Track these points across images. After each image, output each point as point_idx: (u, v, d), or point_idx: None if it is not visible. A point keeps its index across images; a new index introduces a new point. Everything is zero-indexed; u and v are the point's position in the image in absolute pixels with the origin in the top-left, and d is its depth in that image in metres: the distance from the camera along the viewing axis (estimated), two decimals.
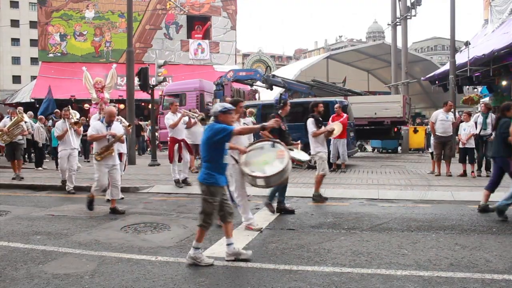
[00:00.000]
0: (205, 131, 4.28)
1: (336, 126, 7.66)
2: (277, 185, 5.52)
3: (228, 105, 4.32)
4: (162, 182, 9.55)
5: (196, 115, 9.70)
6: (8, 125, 10.44)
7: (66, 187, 8.78)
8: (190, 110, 10.21)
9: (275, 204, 6.40)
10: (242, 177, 5.36)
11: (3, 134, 10.41)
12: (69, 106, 9.76)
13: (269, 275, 3.84)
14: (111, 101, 23.62)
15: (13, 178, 10.24)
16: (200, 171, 4.31)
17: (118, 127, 6.97)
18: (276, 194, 6.37)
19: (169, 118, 8.94)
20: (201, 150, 4.41)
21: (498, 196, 7.23)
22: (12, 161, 10.72)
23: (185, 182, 8.94)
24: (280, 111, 6.73)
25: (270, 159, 5.09)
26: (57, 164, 13.00)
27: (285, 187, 6.48)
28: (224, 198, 4.27)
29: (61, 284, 3.70)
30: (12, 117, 10.77)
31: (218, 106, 4.30)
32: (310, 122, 7.03)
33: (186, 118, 9.37)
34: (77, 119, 9.85)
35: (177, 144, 8.89)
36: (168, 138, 9.08)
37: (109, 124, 6.72)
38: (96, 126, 6.74)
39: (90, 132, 6.77)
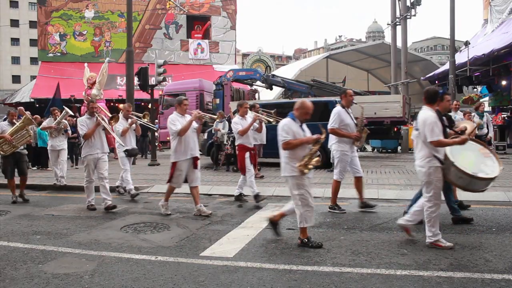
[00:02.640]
0: None
1: (468, 125, 6.33)
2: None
3: None
4: (162, 182, 9.53)
5: (265, 117, 8.18)
6: (11, 130, 7.70)
7: (103, 203, 6.83)
8: (259, 111, 8.66)
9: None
10: (442, 181, 4.53)
11: (3, 143, 7.71)
12: (92, 100, 7.99)
13: (269, 275, 3.84)
14: (112, 101, 23.70)
15: (14, 202, 7.68)
16: None
17: (306, 127, 4.97)
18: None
19: (237, 123, 7.37)
20: None
21: (496, 196, 7.26)
22: (11, 179, 7.81)
23: (257, 198, 7.19)
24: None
25: (479, 158, 4.43)
26: (33, 164, 12.81)
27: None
28: None
29: (61, 284, 3.70)
30: (14, 120, 8.00)
31: None
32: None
33: (256, 124, 7.69)
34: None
35: (248, 153, 7.42)
36: (237, 146, 7.60)
37: (302, 123, 4.86)
38: (291, 127, 4.68)
39: (285, 136, 4.64)
